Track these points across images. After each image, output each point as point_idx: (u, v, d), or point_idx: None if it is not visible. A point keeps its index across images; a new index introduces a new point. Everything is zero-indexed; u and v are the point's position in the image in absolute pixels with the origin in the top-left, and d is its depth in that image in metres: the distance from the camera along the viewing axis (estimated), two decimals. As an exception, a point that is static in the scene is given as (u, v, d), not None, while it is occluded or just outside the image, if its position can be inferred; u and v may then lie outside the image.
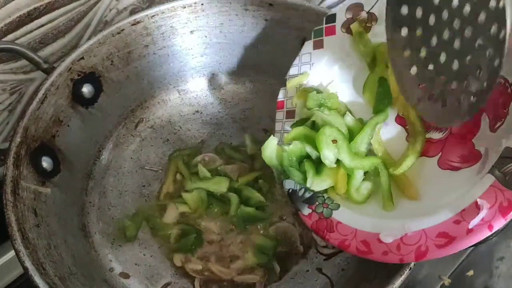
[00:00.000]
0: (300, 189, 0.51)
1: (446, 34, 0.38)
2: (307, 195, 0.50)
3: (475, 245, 0.39)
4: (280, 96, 0.57)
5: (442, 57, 0.39)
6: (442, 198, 0.41)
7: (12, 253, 0.59)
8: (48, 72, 0.54)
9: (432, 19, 0.39)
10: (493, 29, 0.33)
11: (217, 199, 0.58)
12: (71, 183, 0.57)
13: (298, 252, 0.56)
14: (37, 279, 0.42)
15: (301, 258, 0.56)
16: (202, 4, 0.61)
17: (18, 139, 0.49)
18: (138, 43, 0.61)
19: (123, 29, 0.59)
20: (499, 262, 0.61)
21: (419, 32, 0.41)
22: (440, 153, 0.44)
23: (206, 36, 0.64)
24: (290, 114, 0.56)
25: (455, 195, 0.40)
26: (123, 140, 0.65)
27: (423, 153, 0.46)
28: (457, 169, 0.42)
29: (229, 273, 0.54)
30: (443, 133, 0.45)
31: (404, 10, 0.42)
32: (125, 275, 0.55)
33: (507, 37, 0.32)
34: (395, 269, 0.43)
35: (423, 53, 0.41)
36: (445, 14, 0.37)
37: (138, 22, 0.60)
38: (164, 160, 0.63)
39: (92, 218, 0.58)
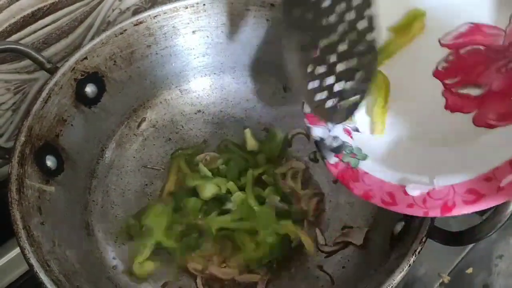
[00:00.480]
0: (328, 138, 0.50)
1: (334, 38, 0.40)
2: (335, 144, 0.49)
3: (476, 240, 0.40)
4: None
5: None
6: (474, 154, 0.41)
7: (14, 252, 0.60)
8: (51, 72, 0.55)
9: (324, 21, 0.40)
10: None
11: (217, 200, 0.58)
12: (75, 181, 0.57)
13: (299, 250, 0.56)
14: (42, 276, 0.43)
15: (302, 256, 0.56)
16: (204, 4, 0.62)
17: (22, 138, 0.49)
18: (141, 43, 0.62)
19: (126, 29, 0.59)
20: (498, 260, 0.62)
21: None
22: (477, 110, 0.43)
23: (208, 36, 0.65)
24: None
25: (487, 152, 0.39)
26: (125, 140, 0.65)
27: (458, 109, 0.44)
28: (492, 127, 0.41)
29: (230, 273, 0.55)
30: (482, 89, 0.43)
31: (297, 12, 0.41)
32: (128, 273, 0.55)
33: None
34: (395, 266, 0.43)
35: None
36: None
37: (140, 23, 0.60)
38: (166, 159, 0.64)
39: (96, 217, 0.58)
